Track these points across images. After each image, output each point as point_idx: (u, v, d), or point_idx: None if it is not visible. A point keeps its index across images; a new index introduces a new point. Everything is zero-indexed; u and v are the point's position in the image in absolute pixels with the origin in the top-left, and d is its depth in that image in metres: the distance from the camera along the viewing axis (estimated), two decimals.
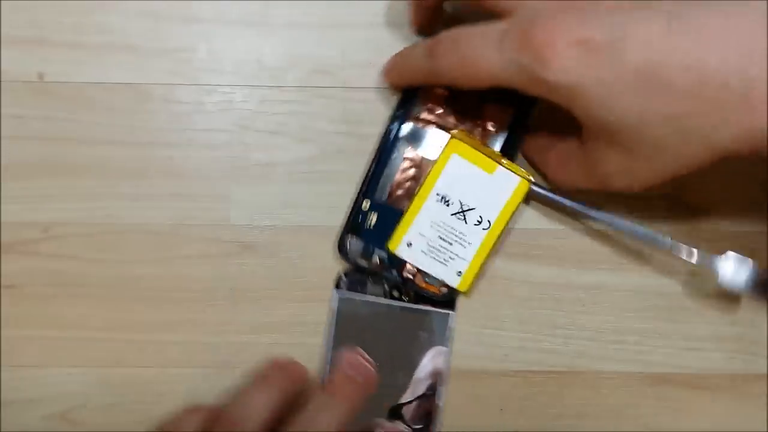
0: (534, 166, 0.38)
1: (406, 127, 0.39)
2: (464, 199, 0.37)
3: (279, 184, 0.39)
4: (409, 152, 0.39)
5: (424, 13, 0.37)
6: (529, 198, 0.39)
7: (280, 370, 0.34)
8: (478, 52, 0.32)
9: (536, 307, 0.40)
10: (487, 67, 0.32)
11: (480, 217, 0.37)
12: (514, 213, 0.37)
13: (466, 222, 0.37)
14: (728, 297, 0.39)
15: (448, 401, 0.39)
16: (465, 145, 0.37)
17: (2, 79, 0.40)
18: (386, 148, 0.39)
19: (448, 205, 0.37)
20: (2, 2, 0.39)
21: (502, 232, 0.37)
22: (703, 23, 0.29)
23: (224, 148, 0.40)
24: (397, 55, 0.38)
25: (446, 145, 0.37)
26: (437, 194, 0.37)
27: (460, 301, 0.39)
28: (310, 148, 0.39)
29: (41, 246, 0.40)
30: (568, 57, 0.30)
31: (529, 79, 0.31)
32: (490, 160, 0.37)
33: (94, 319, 0.40)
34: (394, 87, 0.39)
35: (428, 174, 0.37)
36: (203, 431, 0.32)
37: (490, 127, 0.39)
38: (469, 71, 0.33)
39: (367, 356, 0.36)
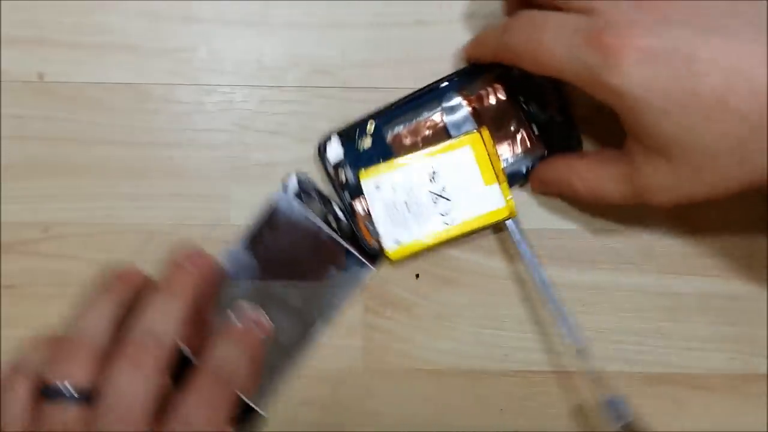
0: (552, 183, 0.38)
1: (451, 95, 0.39)
2: (448, 187, 0.37)
3: (279, 184, 0.39)
4: (437, 116, 0.39)
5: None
6: (498, 229, 0.39)
7: (117, 279, 0.35)
8: (550, 39, 0.32)
9: (536, 307, 0.40)
10: (554, 55, 0.32)
11: (449, 211, 0.37)
12: (477, 230, 0.37)
13: (435, 205, 0.37)
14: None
15: (448, 401, 0.39)
16: (482, 146, 0.37)
17: (2, 79, 0.40)
18: (423, 98, 0.39)
19: (431, 182, 0.37)
20: (2, 2, 0.40)
21: (457, 237, 0.37)
22: None
23: (224, 148, 0.40)
24: (479, 33, 0.39)
25: (468, 134, 0.37)
26: (431, 167, 0.37)
27: (460, 299, 0.39)
28: (310, 148, 0.39)
29: (41, 246, 0.40)
30: (637, 65, 0.30)
31: (591, 78, 0.31)
32: (492, 173, 0.37)
33: None
34: (469, 60, 0.39)
35: (437, 146, 0.37)
36: (48, 361, 0.32)
37: (516, 149, 0.39)
38: (536, 54, 0.33)
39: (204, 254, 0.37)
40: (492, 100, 0.39)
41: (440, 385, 0.39)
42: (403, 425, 0.39)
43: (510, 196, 0.37)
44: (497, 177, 0.37)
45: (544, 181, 0.38)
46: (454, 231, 0.37)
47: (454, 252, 0.40)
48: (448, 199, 0.37)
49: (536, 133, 0.39)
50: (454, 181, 0.37)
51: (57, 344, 0.33)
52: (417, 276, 0.40)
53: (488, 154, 0.37)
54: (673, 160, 0.32)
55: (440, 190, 0.37)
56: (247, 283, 0.38)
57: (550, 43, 0.32)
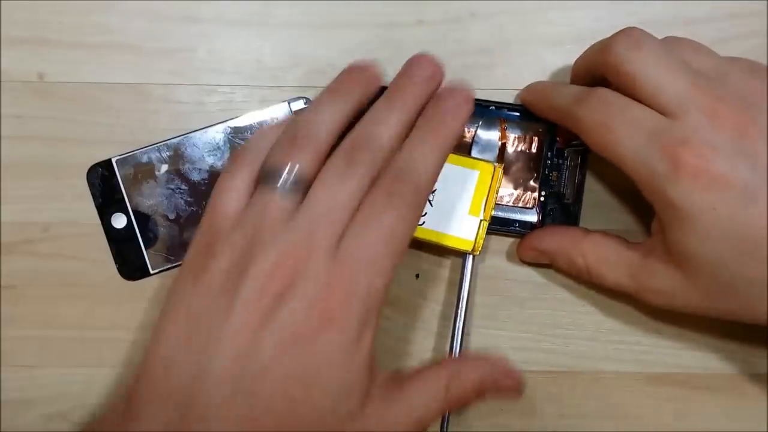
0: (548, 252, 0.38)
1: (494, 121, 0.39)
2: (438, 194, 0.37)
3: None
4: (471, 130, 0.39)
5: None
6: (497, 230, 0.39)
7: (353, 76, 0.35)
8: (625, 132, 0.32)
9: (536, 307, 0.40)
10: (623, 148, 0.32)
11: (426, 214, 0.37)
12: (437, 245, 0.37)
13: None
14: None
15: None
16: (489, 179, 0.37)
17: (2, 79, 0.40)
18: (486, 107, 0.39)
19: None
20: (2, 2, 0.40)
21: (419, 239, 0.37)
22: None
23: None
24: (546, 84, 0.38)
25: (485, 162, 0.38)
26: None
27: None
28: None
29: (41, 246, 0.40)
30: (704, 189, 0.31)
31: (652, 182, 0.32)
32: (481, 207, 0.37)
33: (94, 319, 0.40)
34: (526, 106, 0.39)
35: (454, 155, 0.37)
36: (272, 149, 0.33)
37: (514, 200, 0.39)
38: (605, 139, 0.33)
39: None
40: (522, 148, 0.39)
41: None
42: None
43: (482, 236, 0.37)
44: (483, 213, 0.37)
45: (539, 249, 0.38)
46: (419, 232, 0.37)
47: (447, 253, 0.40)
48: (431, 204, 0.37)
49: (540, 199, 0.39)
50: (446, 193, 0.37)
51: (284, 134, 0.33)
52: (417, 276, 0.40)
53: (489, 190, 0.37)
54: (691, 279, 0.33)
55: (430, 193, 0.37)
56: None
57: (624, 135, 0.32)
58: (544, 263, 0.39)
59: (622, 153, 0.33)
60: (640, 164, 0.32)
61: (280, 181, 0.31)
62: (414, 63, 0.35)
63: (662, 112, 0.32)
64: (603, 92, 0.34)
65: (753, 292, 0.32)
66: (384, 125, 0.33)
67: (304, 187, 0.32)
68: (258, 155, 0.33)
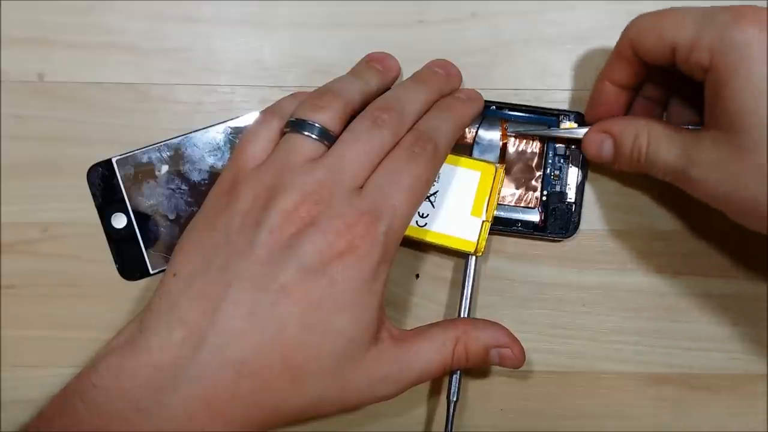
0: (617, 133, 0.37)
1: (494, 121, 0.39)
2: (440, 195, 0.37)
3: None
4: (472, 130, 0.39)
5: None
6: (497, 230, 0.39)
7: (373, 63, 0.38)
8: (681, 11, 0.32)
9: (536, 307, 0.40)
10: (681, 22, 0.32)
11: (427, 215, 0.37)
12: (440, 246, 0.37)
13: (427, 200, 0.38)
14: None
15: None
16: (491, 180, 0.37)
17: (2, 79, 0.40)
18: (488, 107, 0.39)
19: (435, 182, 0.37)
20: (2, 2, 0.39)
21: (421, 241, 0.37)
22: None
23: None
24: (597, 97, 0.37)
25: (487, 162, 0.38)
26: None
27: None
28: None
29: (41, 246, 0.40)
30: (761, 28, 0.30)
31: (710, 36, 0.31)
32: (483, 208, 0.37)
33: (94, 319, 0.40)
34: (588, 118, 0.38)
35: (455, 155, 0.37)
36: (303, 104, 0.34)
37: (516, 200, 0.39)
38: (662, 22, 0.33)
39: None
40: (523, 147, 0.39)
41: (439, 382, 0.39)
42: (403, 425, 0.39)
43: (485, 237, 0.37)
44: (485, 213, 0.37)
45: (610, 131, 0.37)
46: (421, 234, 0.37)
47: (449, 254, 0.40)
48: (432, 205, 0.37)
49: (543, 198, 0.39)
50: (447, 194, 0.37)
51: (312, 93, 0.35)
52: (417, 276, 0.40)
53: (491, 190, 0.37)
54: (743, 147, 0.31)
55: (432, 192, 0.37)
56: None
57: (681, 13, 0.32)
58: (604, 156, 0.37)
59: (688, 22, 0.32)
60: (707, 21, 0.31)
61: (308, 129, 0.33)
62: (437, 61, 0.39)
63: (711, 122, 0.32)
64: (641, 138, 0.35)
65: None
66: (409, 96, 0.35)
67: (329, 139, 0.33)
68: (285, 111, 0.35)
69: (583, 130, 0.37)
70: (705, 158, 0.32)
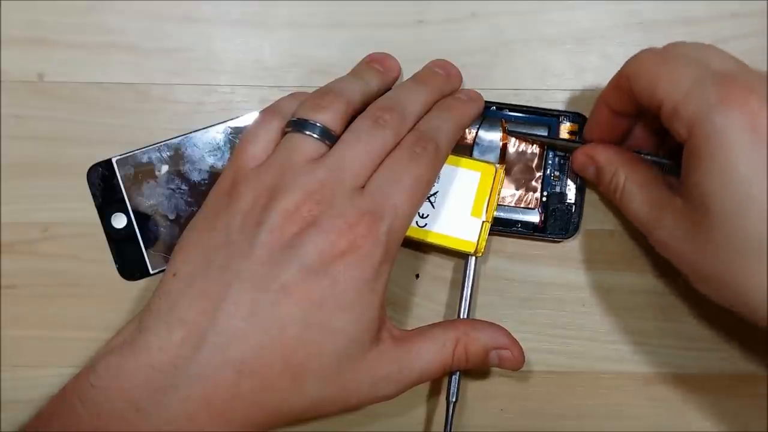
0: (599, 163, 0.37)
1: (495, 122, 0.39)
2: (440, 196, 0.37)
3: None
4: (472, 131, 0.39)
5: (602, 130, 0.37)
6: (498, 230, 0.39)
7: (374, 64, 0.38)
8: (682, 63, 0.31)
9: (536, 307, 0.40)
10: (674, 79, 0.31)
11: (427, 215, 0.37)
12: (440, 247, 0.37)
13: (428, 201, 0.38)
14: None
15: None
16: (491, 180, 0.37)
17: (2, 79, 0.40)
18: (488, 108, 0.39)
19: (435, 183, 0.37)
20: (2, 2, 0.40)
21: (421, 242, 0.37)
22: None
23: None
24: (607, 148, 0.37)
25: (486, 163, 0.38)
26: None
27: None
28: None
29: (41, 246, 0.40)
30: (744, 118, 0.29)
31: (694, 108, 0.30)
32: (483, 208, 0.37)
33: (94, 319, 0.40)
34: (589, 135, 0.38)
35: (454, 156, 0.37)
36: (304, 104, 0.34)
37: (516, 200, 0.39)
38: (659, 69, 0.32)
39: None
40: (523, 148, 0.39)
41: (439, 383, 0.39)
42: (403, 425, 0.39)
43: (485, 238, 0.37)
44: (485, 214, 0.37)
45: (594, 158, 0.37)
46: (421, 234, 0.37)
47: (449, 255, 0.40)
48: (432, 206, 0.37)
49: (543, 199, 0.39)
50: (447, 194, 0.37)
51: (314, 93, 0.35)
52: (417, 276, 0.40)
53: (491, 191, 0.37)
54: (703, 229, 0.31)
55: (432, 193, 0.37)
56: None
57: (680, 66, 0.31)
58: (587, 176, 0.38)
59: (678, 80, 0.31)
60: (694, 89, 0.30)
61: (309, 129, 0.33)
62: (437, 62, 0.39)
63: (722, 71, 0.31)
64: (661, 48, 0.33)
65: (756, 269, 0.29)
66: (410, 96, 0.35)
67: (330, 139, 0.33)
68: (286, 111, 0.35)
69: (577, 145, 0.38)
70: (670, 224, 0.33)
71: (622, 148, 0.37)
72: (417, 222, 0.37)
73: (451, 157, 0.37)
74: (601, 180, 0.37)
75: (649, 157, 0.36)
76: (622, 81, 0.34)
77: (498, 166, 0.37)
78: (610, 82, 0.35)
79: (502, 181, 0.38)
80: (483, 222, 0.37)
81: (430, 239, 0.37)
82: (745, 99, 0.29)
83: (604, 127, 0.36)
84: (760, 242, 0.29)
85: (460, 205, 0.37)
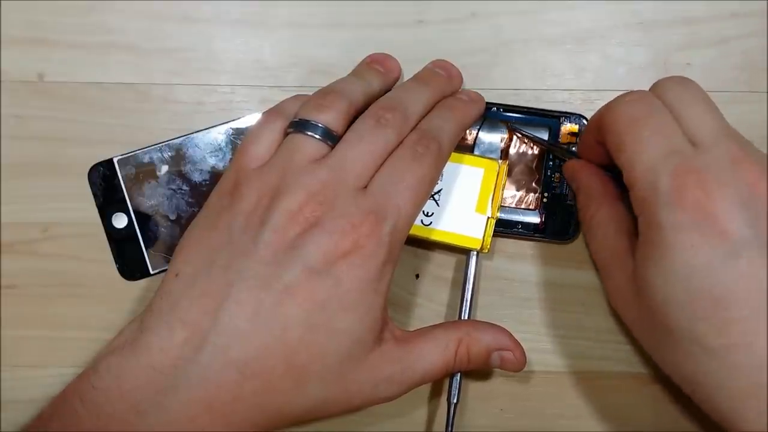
0: (582, 187, 0.38)
1: (496, 122, 0.39)
2: (444, 193, 0.37)
3: None
4: (474, 129, 0.39)
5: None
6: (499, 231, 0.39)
7: (374, 65, 0.38)
8: (652, 135, 0.31)
9: (536, 307, 0.40)
10: (641, 152, 0.31)
11: (432, 213, 0.37)
12: (445, 244, 0.38)
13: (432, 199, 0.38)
14: None
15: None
16: (494, 177, 0.37)
17: (2, 79, 0.40)
18: (489, 109, 0.39)
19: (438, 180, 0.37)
20: (2, 2, 0.39)
21: (426, 239, 0.37)
22: None
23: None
24: (591, 176, 0.37)
25: (489, 159, 0.38)
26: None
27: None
28: None
29: (41, 246, 0.40)
30: (692, 218, 0.29)
31: (649, 198, 0.31)
32: (487, 205, 0.37)
33: (94, 319, 0.40)
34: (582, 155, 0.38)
35: (457, 153, 0.37)
36: (306, 105, 0.34)
37: (517, 201, 0.39)
38: (629, 137, 0.31)
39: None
40: (524, 149, 0.39)
41: (440, 384, 0.39)
42: (404, 426, 0.39)
43: (490, 234, 0.37)
44: (490, 210, 0.37)
45: (573, 177, 0.38)
46: (426, 232, 0.37)
47: (454, 252, 0.40)
48: (437, 204, 0.37)
49: (543, 200, 0.39)
50: (451, 192, 0.37)
51: (316, 93, 0.35)
52: (417, 276, 0.40)
53: (495, 187, 0.37)
54: (643, 313, 0.32)
55: (436, 191, 0.37)
56: None
57: (649, 139, 0.31)
58: (574, 188, 0.38)
59: (637, 157, 0.31)
60: (648, 174, 0.30)
61: (311, 129, 0.33)
62: (437, 62, 0.38)
63: (690, 138, 0.31)
64: (649, 94, 0.33)
65: (697, 363, 0.30)
66: (411, 96, 0.35)
67: (332, 139, 0.33)
68: (288, 111, 0.35)
69: (571, 156, 0.38)
70: (619, 283, 0.34)
71: (606, 179, 0.37)
72: (422, 220, 0.37)
73: (454, 155, 0.37)
74: (577, 200, 0.37)
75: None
76: (596, 125, 0.34)
77: (500, 161, 0.37)
78: (593, 116, 0.35)
79: (506, 177, 0.38)
80: (488, 218, 0.37)
81: (436, 237, 0.37)
82: (696, 201, 0.29)
83: (590, 150, 0.36)
84: (690, 341, 0.30)
85: (465, 202, 0.37)
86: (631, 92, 0.33)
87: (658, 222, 0.30)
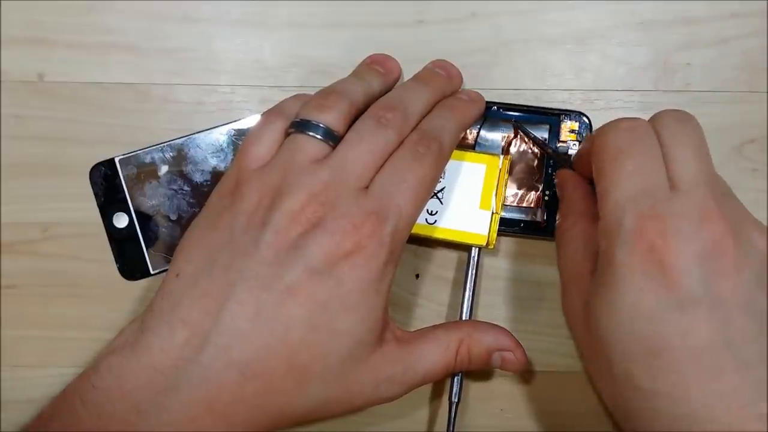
0: (564, 193, 0.38)
1: (497, 121, 0.39)
2: (447, 191, 0.37)
3: None
4: (475, 128, 0.39)
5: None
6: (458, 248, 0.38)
7: (375, 66, 0.38)
8: (632, 169, 0.31)
9: (536, 307, 0.40)
10: (619, 183, 0.31)
11: (436, 211, 0.37)
12: (450, 242, 0.37)
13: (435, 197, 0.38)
14: None
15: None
16: (497, 172, 0.37)
17: (2, 79, 0.40)
18: (489, 108, 0.39)
19: (440, 179, 0.37)
20: (2, 2, 0.39)
21: (430, 238, 0.37)
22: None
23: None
24: (574, 190, 0.37)
25: (491, 155, 0.37)
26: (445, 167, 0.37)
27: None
28: None
29: (41, 246, 0.40)
30: (646, 263, 0.29)
31: (611, 231, 0.31)
32: (491, 200, 0.37)
33: (94, 319, 0.40)
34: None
35: (458, 150, 0.37)
36: (307, 105, 0.34)
37: (519, 200, 0.39)
38: (611, 165, 0.31)
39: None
40: (525, 148, 0.39)
41: (441, 384, 0.39)
42: (403, 425, 0.39)
43: (495, 230, 0.37)
44: (494, 206, 0.37)
45: (559, 181, 0.38)
46: (431, 231, 0.37)
47: (453, 252, 0.40)
48: (440, 201, 0.37)
49: (545, 198, 0.39)
50: (455, 189, 0.37)
51: (317, 93, 0.35)
52: (417, 276, 0.40)
53: (498, 182, 0.37)
54: (589, 347, 0.33)
55: (439, 189, 0.37)
56: None
57: (628, 172, 0.31)
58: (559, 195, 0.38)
59: (612, 188, 0.31)
60: (617, 209, 0.30)
61: (312, 129, 0.33)
62: (437, 62, 0.38)
63: (670, 179, 0.31)
64: (645, 125, 0.32)
65: (627, 398, 0.30)
66: (412, 96, 0.35)
67: (334, 139, 0.33)
68: (289, 112, 0.35)
69: (565, 162, 0.38)
70: (575, 303, 0.34)
71: (590, 196, 0.36)
72: (426, 219, 0.37)
73: (455, 152, 0.37)
74: (559, 209, 0.37)
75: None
76: (587, 146, 0.34)
77: (503, 157, 0.37)
78: (593, 133, 0.35)
79: (509, 172, 0.38)
80: (492, 214, 0.37)
81: (441, 235, 0.37)
82: (653, 248, 0.29)
83: (586, 166, 0.36)
84: (625, 376, 0.30)
85: (468, 199, 0.37)
86: (629, 119, 0.33)
87: (614, 257, 0.30)
